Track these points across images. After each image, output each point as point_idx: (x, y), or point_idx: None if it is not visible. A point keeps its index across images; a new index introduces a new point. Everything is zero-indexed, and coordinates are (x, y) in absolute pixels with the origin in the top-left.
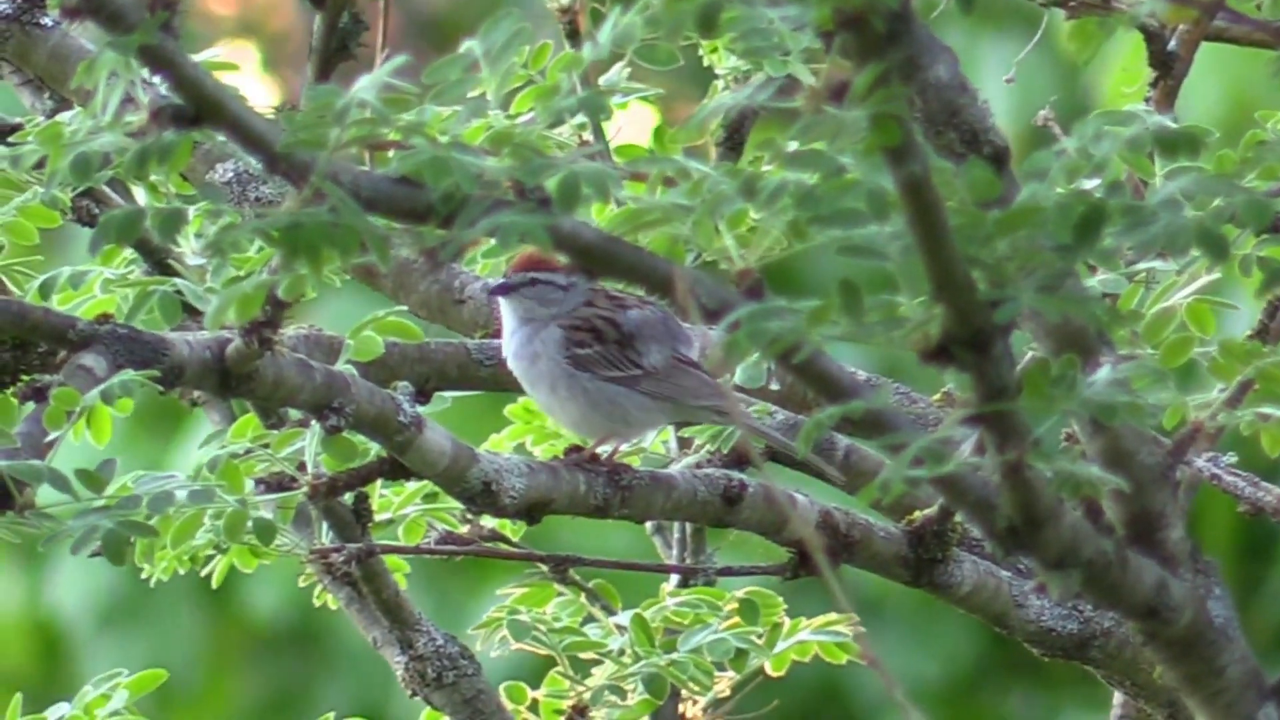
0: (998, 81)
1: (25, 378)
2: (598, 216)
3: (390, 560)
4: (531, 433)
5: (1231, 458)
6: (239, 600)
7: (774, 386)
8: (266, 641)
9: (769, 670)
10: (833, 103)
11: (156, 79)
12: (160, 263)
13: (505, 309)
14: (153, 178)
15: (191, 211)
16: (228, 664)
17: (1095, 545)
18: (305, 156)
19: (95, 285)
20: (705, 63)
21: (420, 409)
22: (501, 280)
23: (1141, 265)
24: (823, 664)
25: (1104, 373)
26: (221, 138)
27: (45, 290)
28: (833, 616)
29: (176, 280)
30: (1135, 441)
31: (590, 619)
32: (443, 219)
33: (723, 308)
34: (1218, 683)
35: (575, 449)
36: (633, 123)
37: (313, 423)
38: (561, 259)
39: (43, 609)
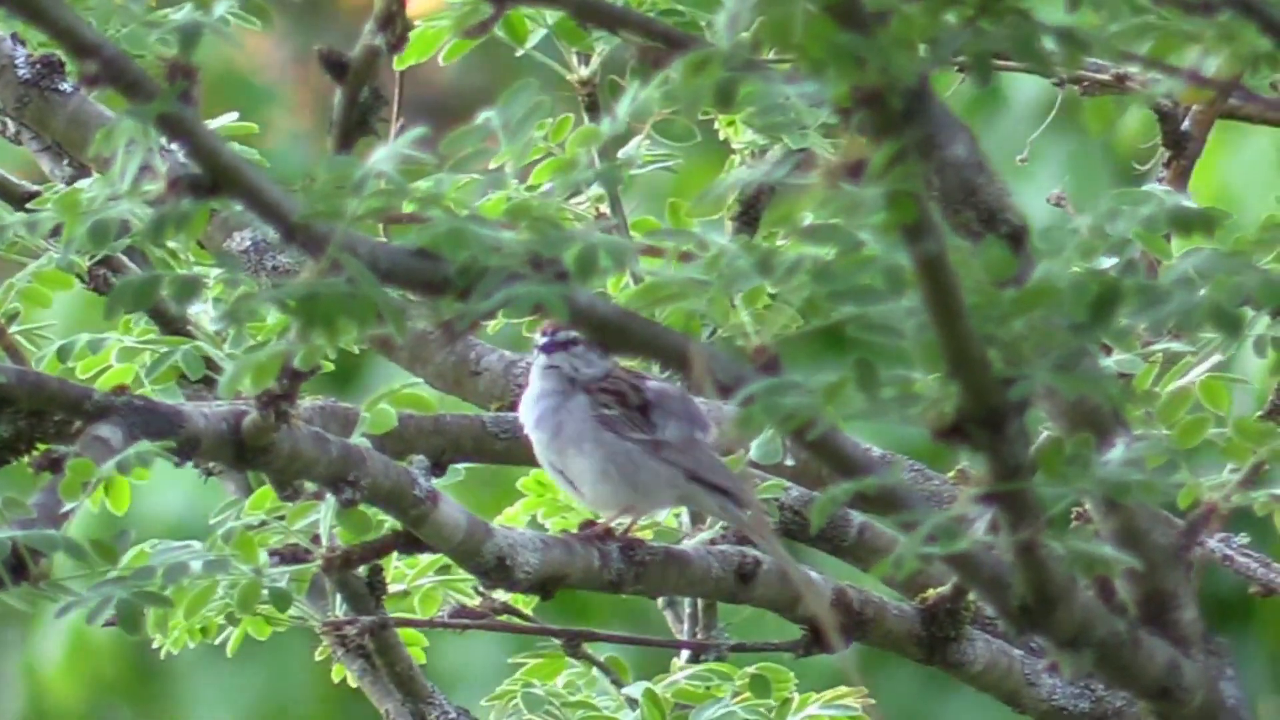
0: (1053, 166)
1: (40, 446)
2: (614, 290)
3: (406, 634)
4: (543, 505)
5: (1244, 538)
6: None
7: (789, 462)
8: None
9: None
10: (849, 179)
11: (174, 146)
12: (176, 331)
13: (542, 369)
14: (171, 244)
15: (210, 278)
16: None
17: (1108, 625)
18: (322, 227)
19: (112, 354)
20: (721, 136)
21: (435, 482)
22: (547, 339)
23: (1158, 345)
24: None
25: (1118, 452)
26: (239, 207)
27: (63, 355)
28: (841, 690)
29: (197, 343)
30: (1149, 521)
31: (600, 691)
32: (460, 291)
33: (738, 383)
34: None
35: (589, 523)
36: (648, 198)
37: (328, 495)
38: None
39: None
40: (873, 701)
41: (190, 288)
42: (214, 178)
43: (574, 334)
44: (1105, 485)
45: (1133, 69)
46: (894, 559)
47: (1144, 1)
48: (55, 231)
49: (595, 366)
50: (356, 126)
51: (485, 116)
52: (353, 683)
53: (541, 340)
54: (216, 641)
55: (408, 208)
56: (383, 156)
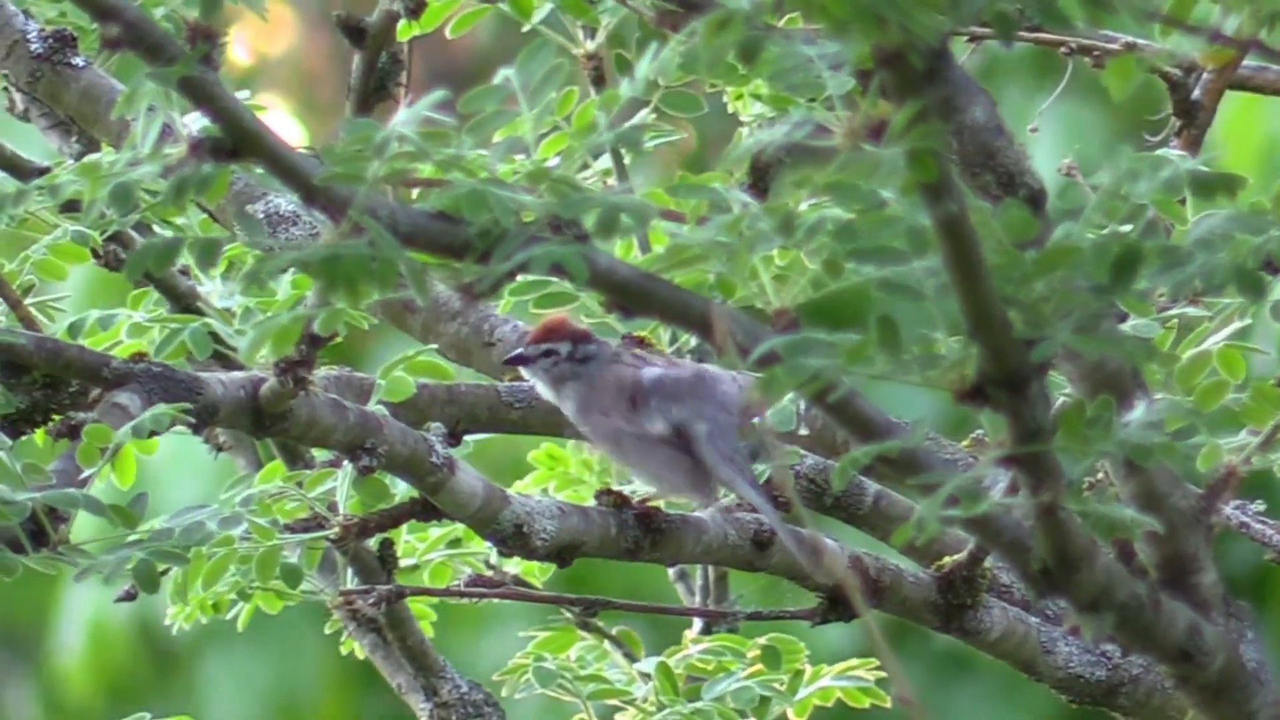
0: (1054, 135)
1: (56, 416)
2: (624, 256)
3: (416, 608)
4: (555, 478)
5: (1259, 504)
6: None
7: (803, 431)
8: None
9: (791, 718)
10: (871, 140)
11: (190, 118)
12: (187, 308)
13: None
14: (180, 220)
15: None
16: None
17: (1129, 588)
18: (343, 190)
19: (122, 329)
20: (730, 109)
21: (450, 451)
22: (518, 351)
23: (1173, 310)
24: None
25: (1139, 414)
26: (260, 171)
27: (74, 331)
28: (853, 661)
29: (207, 320)
30: (1168, 484)
31: (612, 665)
32: (480, 254)
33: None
34: None
35: (606, 492)
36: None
37: (344, 464)
38: (578, 324)
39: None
40: (899, 667)
41: (211, 250)
42: (235, 141)
43: (545, 346)
44: (1126, 447)
45: (1142, 40)
46: (915, 521)
47: None
48: (69, 206)
49: (576, 379)
50: (375, 92)
51: (504, 75)
52: (360, 654)
53: (511, 354)
54: (229, 616)
55: (427, 171)
56: (404, 118)
